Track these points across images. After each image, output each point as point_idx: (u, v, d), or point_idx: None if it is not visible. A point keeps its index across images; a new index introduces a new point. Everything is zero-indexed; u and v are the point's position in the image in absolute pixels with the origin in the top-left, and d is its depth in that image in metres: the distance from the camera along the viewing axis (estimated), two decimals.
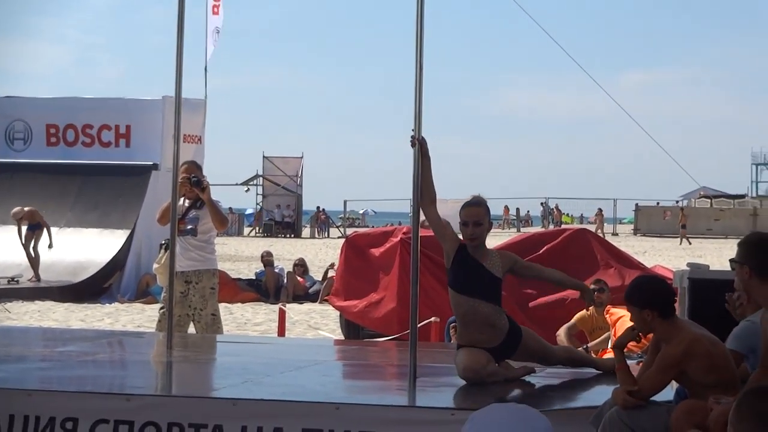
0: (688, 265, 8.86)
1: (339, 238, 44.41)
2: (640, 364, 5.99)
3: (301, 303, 19.66)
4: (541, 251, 12.97)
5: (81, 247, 20.91)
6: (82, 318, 17.05)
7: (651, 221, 54.74)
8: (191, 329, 9.76)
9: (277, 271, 20.87)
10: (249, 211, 57.99)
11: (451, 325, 10.31)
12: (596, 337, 10.49)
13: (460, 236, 6.79)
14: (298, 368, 7.36)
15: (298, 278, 20.76)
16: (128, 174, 21.67)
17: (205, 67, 23.53)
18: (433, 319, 11.18)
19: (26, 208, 20.48)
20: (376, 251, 13.69)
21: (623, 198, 59.55)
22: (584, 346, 10.00)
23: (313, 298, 20.13)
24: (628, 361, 5.72)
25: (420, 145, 6.73)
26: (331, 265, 21.45)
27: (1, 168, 22.53)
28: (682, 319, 5.96)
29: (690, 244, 44.18)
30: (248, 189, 52.18)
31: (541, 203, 62.67)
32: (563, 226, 45.57)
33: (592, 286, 10.82)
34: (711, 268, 8.79)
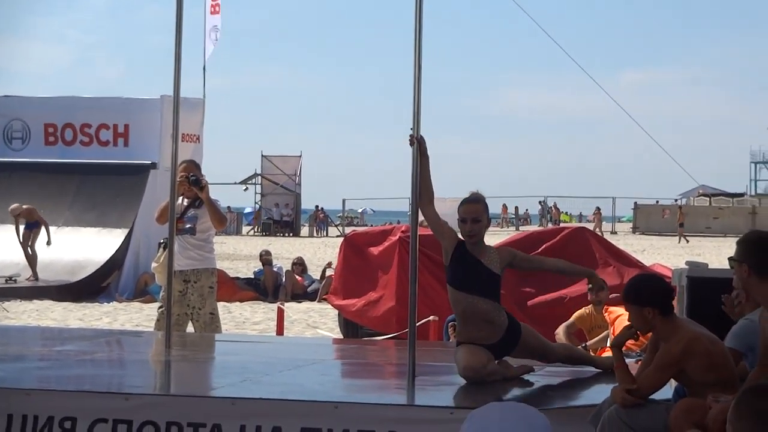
0: (687, 263, 8.86)
1: (338, 236, 44.40)
2: (639, 362, 5.99)
3: (300, 302, 19.67)
4: (539, 250, 12.95)
5: (79, 246, 20.90)
6: (80, 317, 17.04)
7: (650, 220, 54.77)
8: (190, 328, 9.76)
9: (275, 270, 20.87)
10: (248, 210, 57.96)
11: (450, 324, 10.30)
12: (595, 335, 10.48)
13: (459, 234, 6.79)
14: (296, 367, 7.35)
15: (297, 277, 20.76)
16: (126, 173, 21.67)
17: (204, 66, 23.55)
18: (431, 317, 11.18)
19: (24, 206, 20.47)
20: (375, 250, 13.70)
21: (622, 196, 59.53)
22: (583, 345, 9.99)
23: (311, 296, 20.14)
24: (627, 360, 5.72)
25: (419, 144, 6.73)
26: (329, 264, 21.45)
27: (0, 167, 22.52)
28: (680, 317, 5.96)
29: (687, 242, 44.19)
30: (247, 188, 52.19)
31: (540, 202, 62.66)
32: (562, 225, 45.62)
33: (591, 285, 10.83)
34: (710, 267, 8.79)
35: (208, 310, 9.61)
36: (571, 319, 10.74)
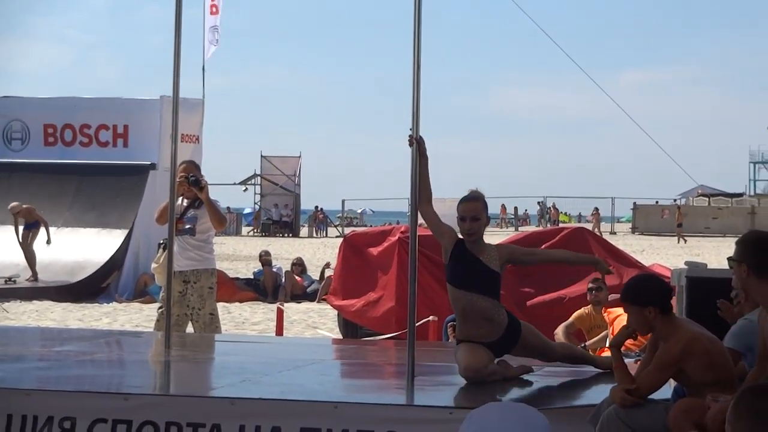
0: (686, 263, 8.87)
1: (337, 237, 44.39)
2: (638, 362, 5.99)
3: (299, 302, 19.67)
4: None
5: (79, 246, 20.90)
6: (80, 318, 17.04)
7: (649, 220, 54.76)
8: (189, 329, 9.76)
9: (275, 270, 20.87)
10: (247, 210, 57.97)
11: (449, 324, 10.31)
12: (594, 335, 10.49)
13: (458, 233, 6.80)
14: (296, 367, 7.36)
15: (296, 277, 20.76)
16: (126, 174, 21.66)
17: (203, 66, 23.62)
18: (431, 318, 11.18)
19: (24, 206, 20.47)
20: (374, 250, 13.70)
21: (621, 197, 59.56)
22: (582, 345, 10.00)
23: (311, 297, 20.14)
24: (626, 360, 5.72)
25: (418, 145, 6.74)
26: (327, 265, 21.46)
27: None
28: (680, 317, 5.96)
29: (685, 242, 44.20)
30: (246, 188, 52.19)
31: (538, 202, 62.65)
32: (561, 225, 45.59)
33: (590, 285, 10.84)
34: (709, 267, 8.80)
35: (207, 310, 9.61)
36: (571, 319, 10.75)
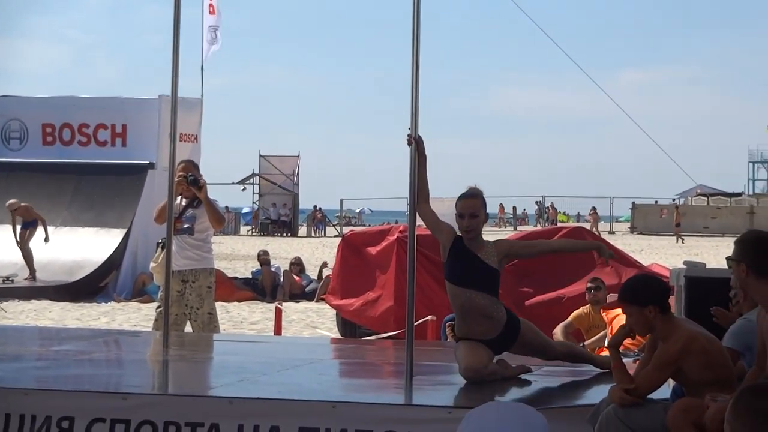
0: (685, 263, 8.89)
1: (335, 236, 44.40)
2: (637, 362, 5.99)
3: (298, 302, 19.67)
4: (536, 257, 12.97)
5: (77, 246, 20.89)
6: (78, 317, 17.03)
7: (648, 219, 54.75)
8: (188, 328, 9.76)
9: (273, 269, 20.87)
10: (245, 210, 57.96)
11: (447, 323, 10.29)
12: (593, 335, 10.50)
13: (457, 230, 6.79)
14: (294, 367, 7.35)
15: (295, 277, 20.76)
16: (125, 173, 21.65)
17: (202, 66, 23.63)
18: (429, 317, 11.18)
19: (22, 204, 20.45)
20: (373, 250, 13.71)
21: (620, 196, 59.56)
22: (581, 345, 10.01)
23: (309, 296, 20.14)
24: (625, 360, 5.72)
25: (416, 144, 6.73)
26: (324, 264, 21.47)
27: None
28: (678, 317, 5.96)
29: (683, 242, 44.22)
30: (245, 188, 52.16)
31: (536, 202, 62.64)
32: (559, 225, 45.53)
33: (589, 284, 10.85)
34: (707, 267, 8.81)
35: (206, 310, 9.61)
36: (569, 318, 10.75)
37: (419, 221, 6.91)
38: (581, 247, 7.59)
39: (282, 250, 34.37)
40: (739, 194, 65.44)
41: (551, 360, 7.07)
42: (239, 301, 19.43)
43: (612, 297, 9.98)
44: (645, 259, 21.12)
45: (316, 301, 19.30)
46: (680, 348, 5.20)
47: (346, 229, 43.04)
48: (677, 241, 44.61)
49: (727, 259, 5.29)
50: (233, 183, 51.80)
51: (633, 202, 57.50)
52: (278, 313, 13.43)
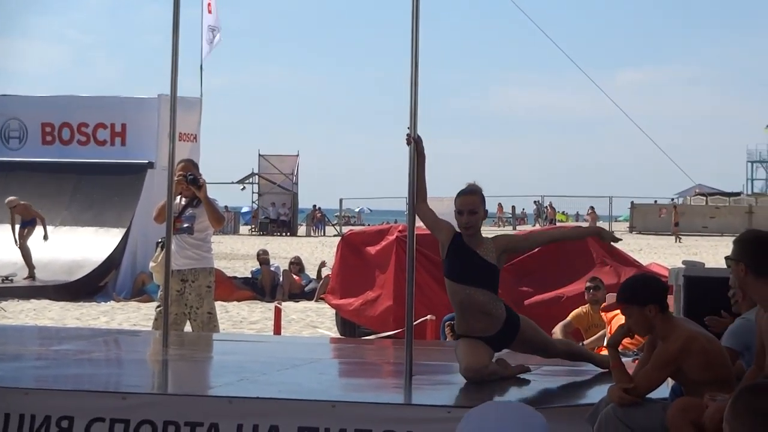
0: (684, 262, 8.88)
1: (335, 236, 44.39)
2: (636, 361, 5.99)
3: (297, 301, 19.67)
4: (536, 249, 12.98)
5: (76, 245, 20.88)
6: (77, 316, 17.03)
7: (646, 219, 54.73)
8: (187, 328, 9.76)
9: (272, 269, 20.86)
10: (245, 209, 57.93)
11: (446, 323, 10.30)
12: (592, 334, 10.50)
13: (456, 227, 6.79)
14: (294, 366, 7.35)
15: (294, 276, 20.76)
16: (124, 172, 21.64)
17: (201, 65, 23.64)
18: (428, 317, 11.19)
19: (21, 202, 20.43)
20: (372, 249, 13.72)
21: (619, 196, 59.47)
22: (580, 344, 10.02)
23: (309, 296, 20.14)
24: (624, 359, 5.72)
25: (415, 144, 6.74)
26: (323, 264, 21.48)
27: None
28: (677, 316, 5.97)
29: (680, 241, 44.23)
30: (244, 187, 52.14)
31: (535, 201, 62.60)
32: (558, 224, 45.49)
33: (588, 284, 10.85)
34: (706, 266, 8.81)
35: (206, 309, 9.61)
36: (568, 318, 10.76)
37: (418, 221, 6.91)
38: (582, 233, 7.58)
39: (281, 250, 34.36)
40: (738, 194, 65.43)
41: (551, 358, 7.06)
42: (239, 300, 19.43)
43: (611, 297, 9.98)
44: (644, 258, 21.12)
45: (316, 301, 19.30)
46: (679, 347, 5.21)
47: (345, 229, 43.04)
48: (676, 241, 44.63)
49: (726, 258, 5.30)
50: (232, 182, 51.81)
51: (632, 202, 57.46)
52: (278, 312, 13.43)
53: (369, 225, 41.86)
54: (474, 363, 6.53)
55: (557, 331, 10.43)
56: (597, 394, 5.86)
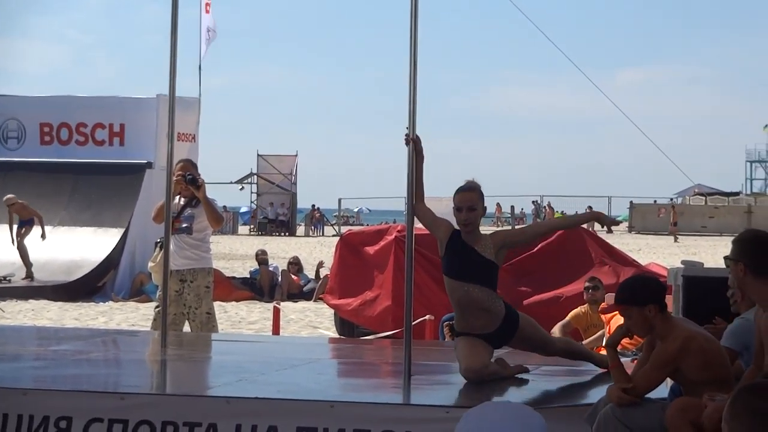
0: (683, 262, 8.89)
1: (333, 236, 44.39)
2: (635, 361, 5.99)
3: (296, 301, 19.67)
4: (535, 249, 12.99)
5: (75, 245, 20.88)
6: (76, 317, 17.03)
7: (646, 219, 54.76)
8: (186, 328, 9.75)
9: (271, 269, 20.86)
10: (243, 209, 57.92)
11: (445, 323, 10.30)
12: (591, 334, 10.50)
13: (455, 224, 6.79)
14: (292, 366, 7.35)
15: (293, 276, 20.76)
16: (122, 172, 21.64)
17: (200, 65, 23.67)
18: (427, 317, 11.19)
19: (19, 201, 20.42)
20: (371, 249, 13.72)
21: (618, 195, 59.55)
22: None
23: (307, 296, 20.14)
24: (623, 359, 5.72)
25: (414, 144, 6.73)
26: (321, 264, 21.48)
27: None
28: (676, 316, 5.97)
29: (677, 241, 44.26)
30: (243, 187, 52.15)
31: (533, 201, 62.61)
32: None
33: (587, 284, 10.85)
34: (705, 266, 8.82)
35: (204, 309, 9.60)
36: (567, 318, 10.76)
37: (417, 221, 6.90)
38: (580, 220, 7.55)
39: (280, 250, 34.36)
40: (737, 193, 65.47)
41: (550, 355, 7.05)
42: (237, 300, 19.43)
43: (610, 297, 9.98)
44: (643, 258, 21.13)
45: (314, 301, 19.30)
46: (678, 347, 5.20)
47: (344, 229, 43.05)
48: (675, 240, 44.67)
49: (725, 258, 5.30)
50: (231, 182, 51.82)
51: (631, 202, 57.50)
52: (276, 312, 13.42)
53: (368, 225, 41.86)
54: (474, 364, 6.51)
55: (556, 331, 10.43)
56: (596, 394, 5.86)
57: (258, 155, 50.85)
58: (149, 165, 21.42)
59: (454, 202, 6.72)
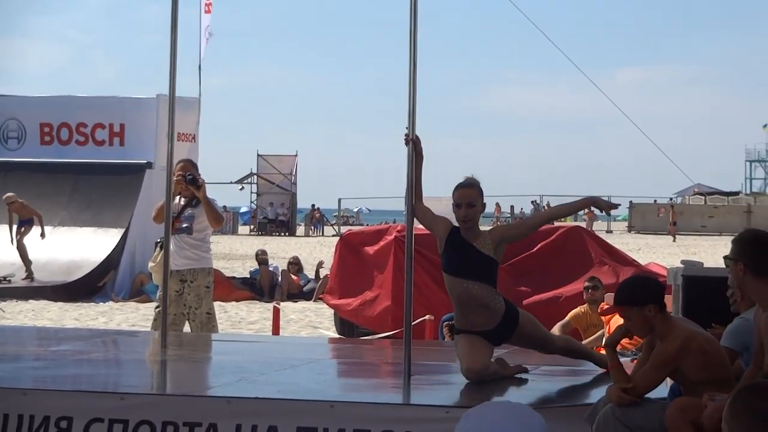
0: (683, 262, 8.89)
1: (333, 236, 44.39)
2: (634, 361, 5.99)
3: (296, 301, 19.67)
4: (535, 249, 13.00)
5: (75, 245, 20.88)
6: (76, 317, 17.04)
7: (645, 218, 54.77)
8: (186, 328, 9.76)
9: (271, 269, 20.86)
10: (243, 209, 57.93)
11: (445, 323, 10.31)
12: (590, 334, 10.50)
13: (454, 221, 6.79)
14: (292, 366, 7.35)
15: (293, 276, 20.76)
16: (122, 172, 21.64)
17: (199, 65, 23.67)
18: (427, 317, 11.19)
19: (19, 200, 20.42)
20: (371, 249, 13.72)
21: (618, 195, 59.54)
22: None
23: (307, 296, 20.14)
24: (622, 359, 5.72)
25: (414, 144, 6.74)
26: (320, 264, 21.47)
27: None
28: (675, 316, 5.97)
29: (674, 240, 44.28)
30: (243, 187, 52.15)
31: (532, 201, 62.63)
32: (557, 224, 45.46)
33: (586, 284, 10.86)
34: (705, 266, 8.82)
35: (204, 309, 9.60)
36: (567, 318, 10.77)
37: (416, 223, 6.90)
38: (576, 206, 7.54)
39: (280, 250, 34.37)
40: (737, 193, 65.51)
41: (550, 353, 7.04)
42: (237, 300, 19.43)
43: (609, 296, 9.99)
44: (642, 258, 21.13)
45: (314, 301, 19.30)
46: (678, 347, 5.21)
47: (344, 229, 43.06)
48: (675, 240, 44.69)
49: (725, 258, 5.30)
50: (231, 182, 51.83)
51: (630, 201, 57.50)
52: (276, 312, 13.43)
53: (367, 225, 41.86)
54: (475, 364, 6.50)
55: (555, 331, 10.41)
56: (596, 394, 5.86)
57: (258, 155, 50.86)
58: (149, 165, 21.42)
59: (454, 198, 6.72)
